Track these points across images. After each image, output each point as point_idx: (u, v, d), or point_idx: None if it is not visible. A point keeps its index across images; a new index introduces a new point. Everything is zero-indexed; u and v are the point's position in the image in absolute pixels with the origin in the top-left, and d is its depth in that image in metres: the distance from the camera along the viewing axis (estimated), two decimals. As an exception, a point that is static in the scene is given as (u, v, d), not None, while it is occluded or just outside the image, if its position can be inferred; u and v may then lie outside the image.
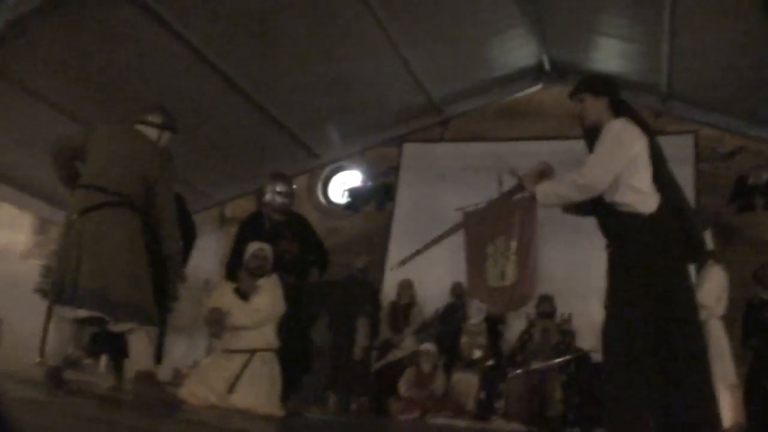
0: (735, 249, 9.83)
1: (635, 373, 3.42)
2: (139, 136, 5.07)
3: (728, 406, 6.87)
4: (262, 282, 5.96)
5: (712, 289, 7.16)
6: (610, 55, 9.42)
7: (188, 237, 6.41)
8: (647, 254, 3.51)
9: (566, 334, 8.37)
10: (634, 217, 3.57)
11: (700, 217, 7.53)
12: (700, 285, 7.14)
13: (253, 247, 6.09)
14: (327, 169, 12.68)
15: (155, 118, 5.19)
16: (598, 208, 3.72)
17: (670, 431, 3.38)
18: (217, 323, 5.73)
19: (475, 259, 10.10)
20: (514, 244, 9.83)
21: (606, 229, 3.76)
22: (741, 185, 9.83)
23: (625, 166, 3.60)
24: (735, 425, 6.97)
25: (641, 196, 3.59)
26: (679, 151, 9.56)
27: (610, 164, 3.60)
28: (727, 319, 7.52)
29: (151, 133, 5.13)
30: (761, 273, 8.00)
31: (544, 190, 3.77)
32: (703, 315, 7.07)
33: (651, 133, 3.73)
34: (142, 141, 5.05)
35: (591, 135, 3.87)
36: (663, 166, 3.70)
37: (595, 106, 3.85)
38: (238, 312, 5.79)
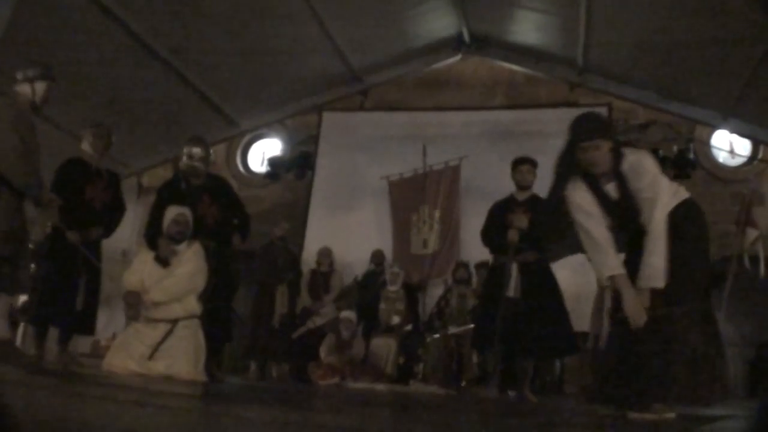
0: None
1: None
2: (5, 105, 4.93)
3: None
4: (182, 248, 5.80)
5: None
6: (528, 28, 9.51)
7: (118, 211, 6.38)
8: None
9: (482, 299, 8.56)
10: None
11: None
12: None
13: (173, 212, 5.87)
14: (246, 138, 12.59)
15: (24, 74, 5.05)
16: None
17: None
18: (132, 306, 5.61)
19: (400, 227, 10.27)
20: (437, 213, 9.99)
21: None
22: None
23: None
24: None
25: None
26: (594, 122, 9.82)
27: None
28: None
29: (25, 89, 5.02)
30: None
31: None
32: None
33: None
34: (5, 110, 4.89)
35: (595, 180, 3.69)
36: None
37: (608, 154, 3.58)
38: (156, 286, 5.63)
